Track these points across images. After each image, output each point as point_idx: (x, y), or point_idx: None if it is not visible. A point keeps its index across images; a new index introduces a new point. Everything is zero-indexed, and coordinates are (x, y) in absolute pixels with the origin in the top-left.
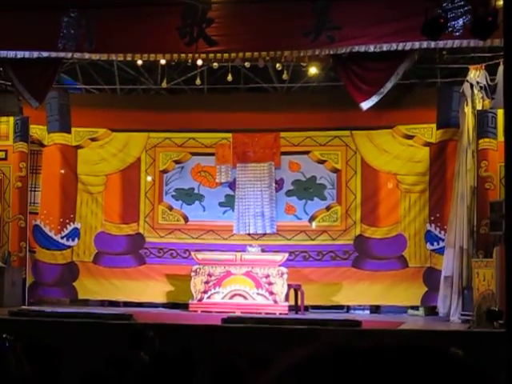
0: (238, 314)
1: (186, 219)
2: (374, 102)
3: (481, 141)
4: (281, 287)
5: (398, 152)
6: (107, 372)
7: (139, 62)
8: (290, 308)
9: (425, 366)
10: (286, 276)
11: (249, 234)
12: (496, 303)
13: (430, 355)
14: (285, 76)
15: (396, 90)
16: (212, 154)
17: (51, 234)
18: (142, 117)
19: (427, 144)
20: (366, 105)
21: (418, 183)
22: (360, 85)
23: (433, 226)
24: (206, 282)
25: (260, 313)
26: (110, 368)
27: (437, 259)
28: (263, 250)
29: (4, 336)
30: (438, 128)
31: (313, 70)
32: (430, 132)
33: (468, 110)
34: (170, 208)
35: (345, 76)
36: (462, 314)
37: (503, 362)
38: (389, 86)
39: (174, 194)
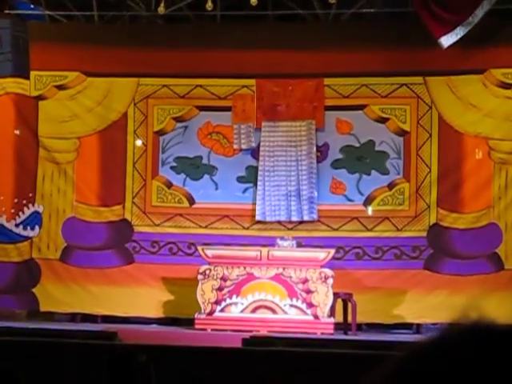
0: (264, 333)
1: (190, 200)
2: (458, 37)
3: None
4: (324, 297)
5: (492, 107)
6: None
7: None
8: (337, 326)
9: None
10: (331, 281)
11: (279, 222)
12: None
13: None
14: None
15: (489, 20)
16: (228, 109)
17: (1, 220)
18: (128, 56)
19: None
20: (446, 40)
21: None
22: (439, 12)
23: None
24: (219, 289)
25: (295, 332)
26: None
27: None
28: (299, 245)
29: None
30: None
31: None
32: None
33: None
34: (169, 184)
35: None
36: None
37: None
38: (480, 13)
39: (174, 164)
